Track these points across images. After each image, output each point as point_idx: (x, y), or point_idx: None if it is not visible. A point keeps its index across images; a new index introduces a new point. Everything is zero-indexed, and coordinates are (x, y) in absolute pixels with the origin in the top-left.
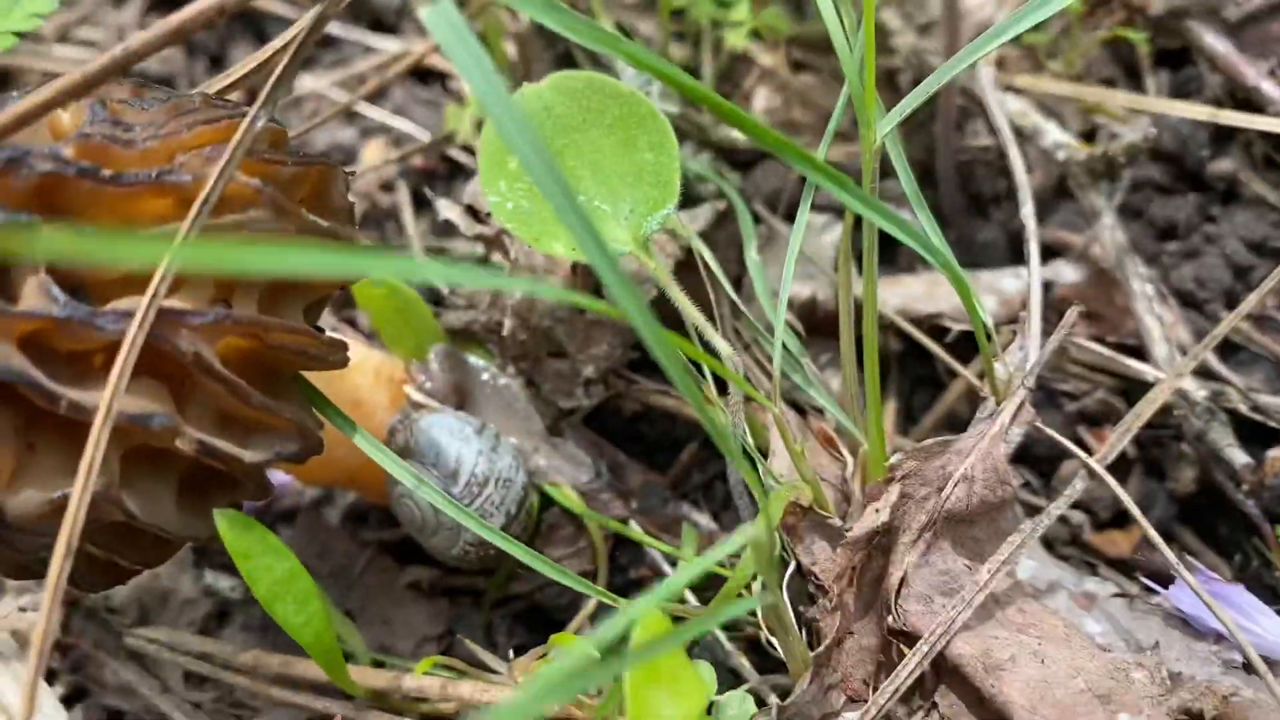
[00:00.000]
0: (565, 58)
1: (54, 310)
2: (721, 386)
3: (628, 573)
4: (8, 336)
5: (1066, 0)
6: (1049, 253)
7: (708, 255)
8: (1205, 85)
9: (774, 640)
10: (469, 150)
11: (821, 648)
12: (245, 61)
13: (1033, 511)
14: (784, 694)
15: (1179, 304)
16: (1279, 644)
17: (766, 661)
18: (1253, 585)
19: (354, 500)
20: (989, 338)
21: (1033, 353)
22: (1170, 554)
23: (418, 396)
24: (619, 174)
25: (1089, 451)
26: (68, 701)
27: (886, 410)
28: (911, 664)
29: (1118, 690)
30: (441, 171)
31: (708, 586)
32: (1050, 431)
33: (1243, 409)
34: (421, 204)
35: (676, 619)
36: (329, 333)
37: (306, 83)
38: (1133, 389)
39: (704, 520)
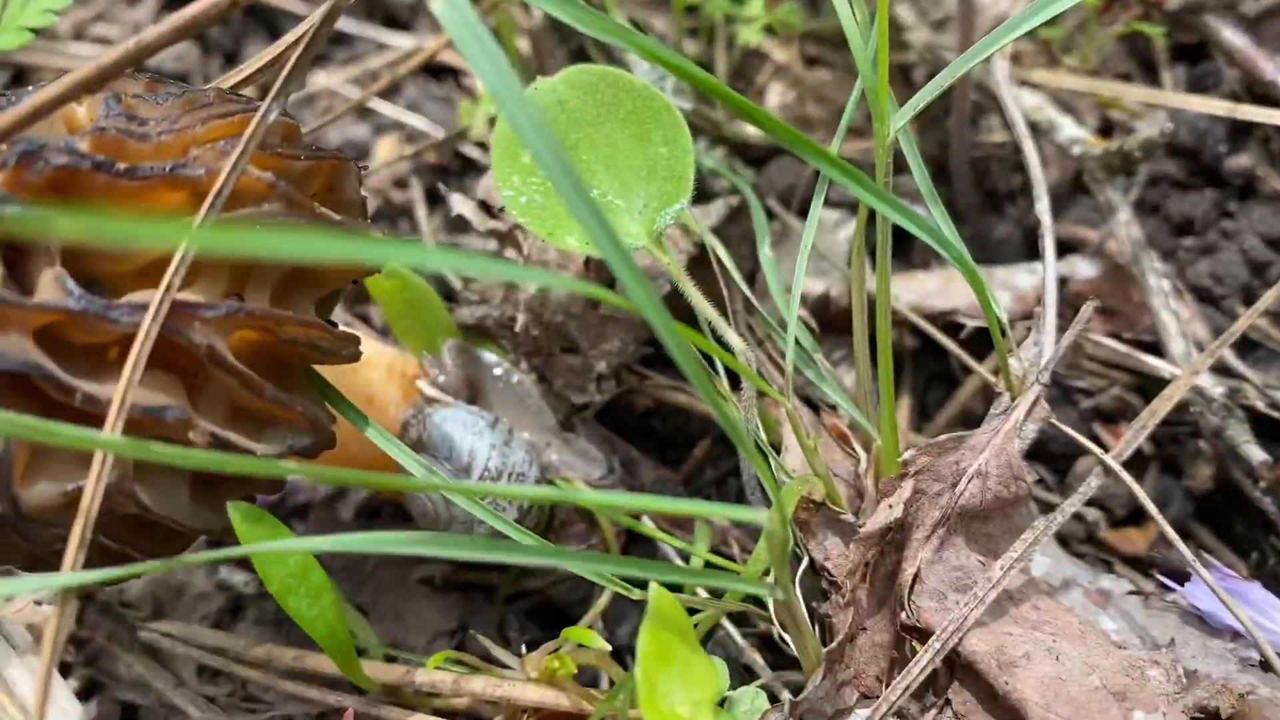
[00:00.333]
0: (579, 54)
1: (69, 303)
2: (734, 382)
3: None
4: (23, 329)
5: None
6: (1064, 248)
7: (721, 251)
8: (1223, 80)
9: (786, 636)
10: (482, 146)
11: (834, 644)
12: (259, 57)
13: (1047, 508)
14: (796, 690)
15: (1195, 300)
16: None
17: (779, 658)
18: (1269, 582)
19: (366, 496)
20: (1004, 333)
21: (1048, 348)
22: (1187, 551)
23: (430, 391)
24: (632, 168)
25: (1104, 449)
26: (82, 695)
27: (900, 406)
28: (924, 660)
29: (1133, 688)
30: (454, 167)
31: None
32: (1066, 428)
33: (1260, 406)
34: (434, 201)
35: (691, 611)
36: (341, 328)
37: (320, 80)
38: (1148, 385)
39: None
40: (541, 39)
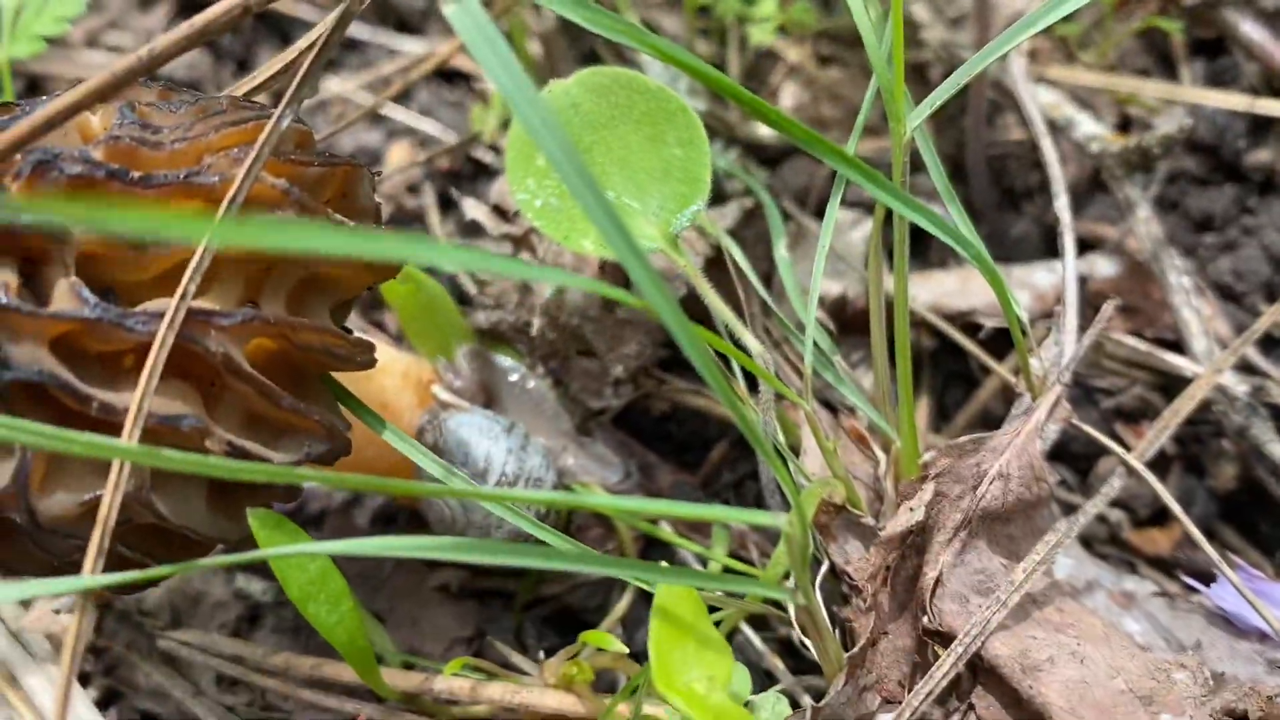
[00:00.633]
0: (590, 56)
1: (85, 312)
2: (751, 385)
3: None
4: (39, 339)
5: None
6: (1083, 246)
7: (737, 253)
8: (1241, 74)
9: (807, 641)
10: (495, 150)
11: (856, 648)
12: (271, 63)
13: (1069, 510)
14: (818, 695)
15: (1217, 297)
16: None
17: (799, 663)
18: None
19: (382, 503)
20: (1024, 333)
21: (1069, 347)
22: (1213, 551)
23: (446, 396)
24: (647, 170)
25: (1126, 449)
26: (101, 704)
27: (919, 408)
28: (947, 665)
29: (1159, 691)
30: (467, 172)
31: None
32: (1088, 429)
33: None
34: (447, 206)
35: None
36: (356, 334)
37: (332, 86)
38: (1170, 384)
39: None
40: (553, 42)
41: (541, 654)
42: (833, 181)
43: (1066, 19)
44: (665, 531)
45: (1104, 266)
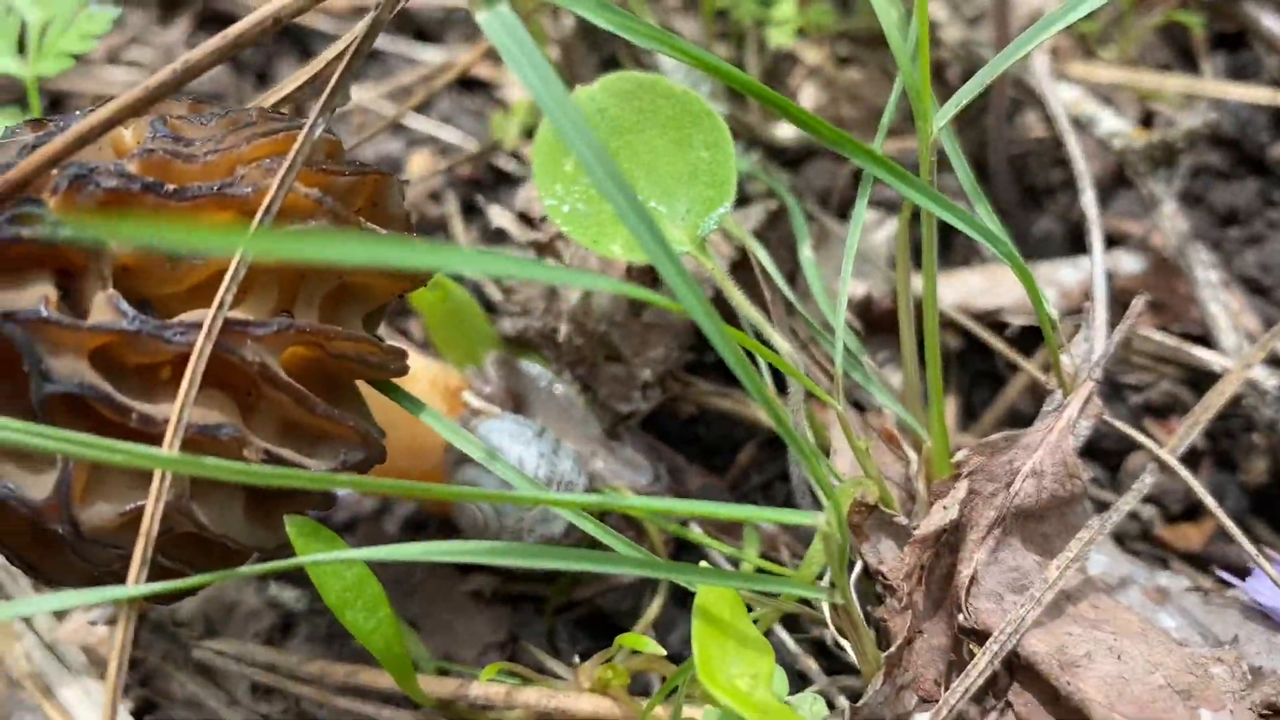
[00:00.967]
0: (609, 62)
1: (123, 324)
2: (780, 387)
3: None
4: (79, 351)
5: None
6: (1108, 242)
7: (762, 255)
8: (1263, 68)
9: (841, 642)
10: (516, 158)
11: (893, 648)
12: (297, 75)
13: (1101, 506)
14: (852, 696)
15: (1243, 291)
16: None
17: (833, 663)
18: None
19: (412, 510)
20: (1054, 329)
21: (1098, 343)
22: (1249, 545)
23: (476, 403)
24: (673, 174)
25: (1157, 444)
26: (137, 715)
27: (947, 407)
28: (983, 662)
29: (1198, 686)
30: (488, 180)
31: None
32: (1120, 425)
33: None
34: (470, 214)
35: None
36: (388, 343)
37: (354, 96)
38: (1198, 379)
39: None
40: (572, 47)
41: (575, 658)
42: (855, 182)
43: (1086, 16)
44: (696, 534)
45: (1129, 263)
